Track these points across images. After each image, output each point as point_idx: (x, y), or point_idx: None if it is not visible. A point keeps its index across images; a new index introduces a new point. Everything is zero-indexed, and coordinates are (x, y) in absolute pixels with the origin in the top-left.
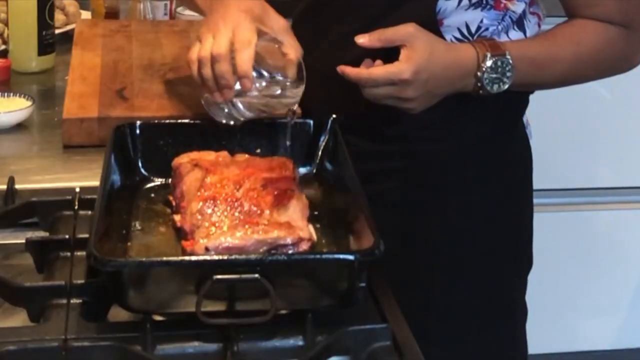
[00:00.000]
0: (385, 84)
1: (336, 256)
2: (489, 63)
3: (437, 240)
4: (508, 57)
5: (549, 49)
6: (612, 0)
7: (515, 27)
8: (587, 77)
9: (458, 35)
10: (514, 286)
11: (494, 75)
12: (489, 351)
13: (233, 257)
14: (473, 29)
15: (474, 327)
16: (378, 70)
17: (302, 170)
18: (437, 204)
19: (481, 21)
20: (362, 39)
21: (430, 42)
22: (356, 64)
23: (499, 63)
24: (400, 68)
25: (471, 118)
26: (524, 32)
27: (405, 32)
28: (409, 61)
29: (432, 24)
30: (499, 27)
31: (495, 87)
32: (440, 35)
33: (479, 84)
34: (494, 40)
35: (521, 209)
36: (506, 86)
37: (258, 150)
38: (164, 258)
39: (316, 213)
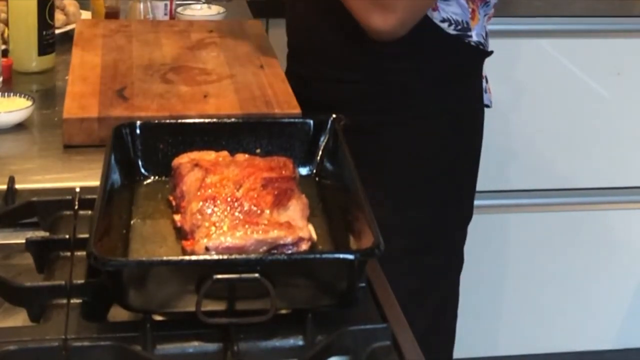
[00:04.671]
0: None
1: (336, 255)
2: None
3: (385, 164)
4: None
5: None
6: None
7: None
8: None
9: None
10: (457, 232)
11: None
12: (422, 277)
13: (233, 256)
14: None
15: (410, 250)
16: None
17: (302, 170)
18: (391, 131)
19: None
20: None
21: None
22: None
23: None
24: None
25: (426, 55)
26: None
27: None
28: None
29: None
30: None
31: None
32: None
33: None
34: None
35: (467, 162)
36: None
37: (258, 150)
38: (164, 257)
39: (316, 213)
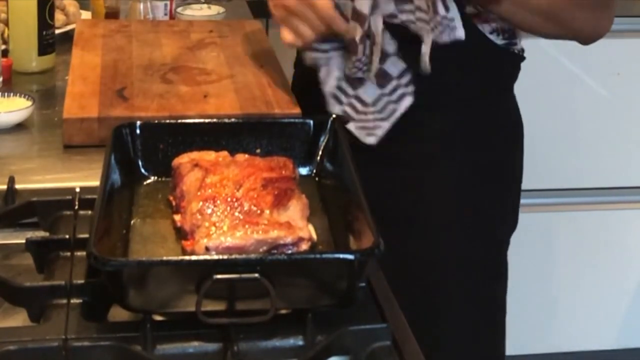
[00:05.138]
0: None
1: (336, 256)
2: None
3: (430, 196)
4: None
5: None
6: None
7: None
8: (558, 22)
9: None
10: (504, 246)
11: None
12: (479, 307)
13: (233, 256)
14: None
15: (467, 285)
16: None
17: (302, 170)
18: (433, 159)
19: None
20: None
21: None
22: None
23: None
24: None
25: (465, 73)
26: None
27: None
28: None
29: None
30: None
31: None
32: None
33: None
34: None
35: (514, 167)
36: None
37: (258, 150)
38: (164, 258)
39: (316, 213)
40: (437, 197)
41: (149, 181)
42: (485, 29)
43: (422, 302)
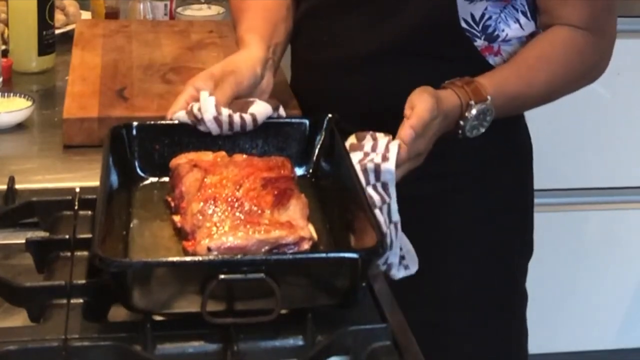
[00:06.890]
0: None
1: (341, 255)
2: (473, 112)
3: (448, 228)
4: (489, 102)
5: (524, 77)
6: (579, 5)
7: (529, 17)
8: (561, 93)
9: (464, 25)
10: (522, 272)
11: (475, 122)
12: (498, 336)
13: (238, 257)
14: (477, 18)
15: (487, 315)
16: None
17: (298, 170)
18: (448, 193)
19: (485, 8)
20: (405, 139)
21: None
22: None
23: (482, 110)
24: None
25: None
26: (535, 22)
27: (426, 104)
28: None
29: (452, 10)
30: (501, 16)
31: (475, 132)
32: (457, 23)
33: (459, 131)
34: (474, 82)
35: (527, 195)
36: (483, 130)
37: (254, 151)
38: (170, 258)
39: (313, 213)
40: (451, 233)
41: (145, 182)
42: (497, 61)
43: (434, 334)
